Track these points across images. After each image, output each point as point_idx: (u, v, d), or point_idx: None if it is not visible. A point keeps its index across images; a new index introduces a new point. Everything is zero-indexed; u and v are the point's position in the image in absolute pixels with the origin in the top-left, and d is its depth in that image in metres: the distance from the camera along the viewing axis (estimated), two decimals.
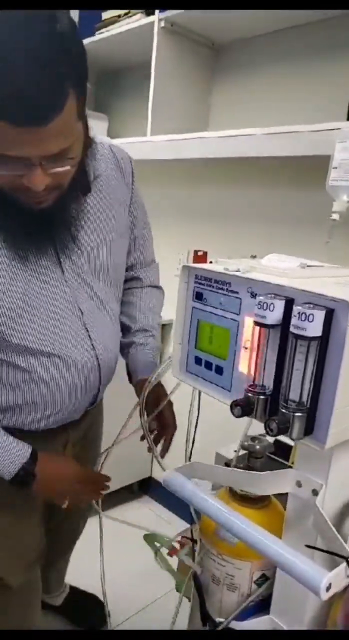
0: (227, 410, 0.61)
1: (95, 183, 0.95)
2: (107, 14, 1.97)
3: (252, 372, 0.59)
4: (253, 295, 0.61)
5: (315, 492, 0.62)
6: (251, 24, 1.64)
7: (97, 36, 1.98)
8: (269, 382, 0.58)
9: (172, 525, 0.98)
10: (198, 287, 0.69)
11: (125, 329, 1.14)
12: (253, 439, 0.82)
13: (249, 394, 0.59)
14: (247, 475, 0.69)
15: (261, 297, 0.56)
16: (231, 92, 1.87)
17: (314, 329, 0.52)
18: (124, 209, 1.02)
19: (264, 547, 0.59)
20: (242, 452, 0.84)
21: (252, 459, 0.82)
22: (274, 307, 0.55)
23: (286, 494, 0.67)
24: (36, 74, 0.63)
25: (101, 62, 2.20)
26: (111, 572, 1.13)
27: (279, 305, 0.55)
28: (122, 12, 1.89)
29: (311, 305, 0.52)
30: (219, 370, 0.67)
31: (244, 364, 0.62)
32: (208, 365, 0.68)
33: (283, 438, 0.56)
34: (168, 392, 0.97)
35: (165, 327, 1.71)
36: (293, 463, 0.91)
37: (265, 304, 0.56)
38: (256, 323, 0.57)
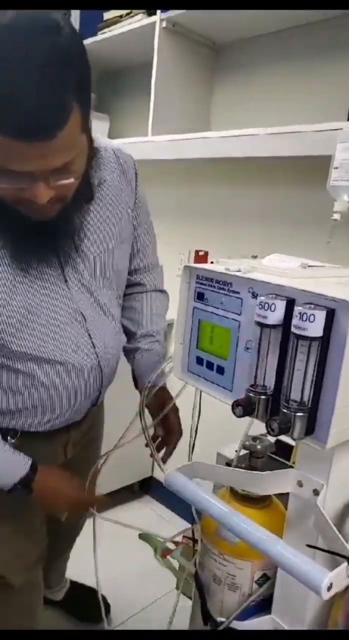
0: (229, 410, 0.61)
1: (98, 190, 0.94)
2: (108, 14, 1.97)
3: (253, 372, 0.60)
4: (254, 296, 0.61)
5: (316, 492, 0.62)
6: (252, 24, 1.64)
7: (99, 36, 1.98)
8: (270, 382, 0.58)
9: (173, 525, 0.98)
10: (199, 287, 0.69)
11: (129, 335, 1.13)
12: (254, 438, 0.82)
13: (251, 394, 0.59)
14: (249, 475, 0.69)
15: (262, 298, 0.56)
16: (232, 92, 1.87)
17: (315, 329, 0.52)
18: (128, 214, 1.01)
19: (266, 546, 0.59)
20: (243, 452, 0.84)
21: (254, 458, 0.82)
22: (275, 307, 0.55)
23: (287, 493, 0.67)
24: (39, 89, 0.62)
25: (103, 62, 2.20)
26: (111, 572, 1.13)
27: (281, 305, 0.56)
28: (123, 12, 1.89)
29: (312, 306, 0.52)
30: (221, 370, 0.67)
31: (245, 364, 0.62)
32: (209, 365, 0.68)
33: (284, 438, 0.56)
34: (173, 396, 0.98)
35: (167, 327, 1.70)
36: (294, 463, 0.91)
37: (266, 304, 0.56)
38: (258, 323, 0.57)
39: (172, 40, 1.74)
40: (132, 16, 1.85)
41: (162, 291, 1.20)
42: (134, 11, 1.85)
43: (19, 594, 1.02)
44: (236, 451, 0.87)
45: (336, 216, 1.22)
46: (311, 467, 0.63)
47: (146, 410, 1.00)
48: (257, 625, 0.75)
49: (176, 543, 1.03)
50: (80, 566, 1.35)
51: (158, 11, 1.70)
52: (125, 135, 2.17)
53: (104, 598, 1.54)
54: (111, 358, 0.99)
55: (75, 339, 0.91)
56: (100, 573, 1.05)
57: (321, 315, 0.52)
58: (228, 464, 1.01)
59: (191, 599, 0.90)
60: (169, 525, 0.97)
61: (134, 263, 1.10)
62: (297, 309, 0.53)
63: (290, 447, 1.21)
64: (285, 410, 0.55)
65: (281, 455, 1.22)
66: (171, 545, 1.03)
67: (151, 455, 0.96)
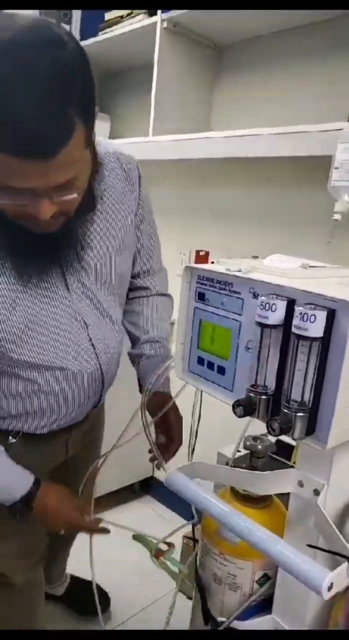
0: (229, 410, 0.61)
1: (101, 198, 0.93)
2: (109, 15, 1.97)
3: (254, 372, 0.60)
4: (255, 296, 0.61)
5: (317, 492, 0.62)
6: (253, 24, 1.64)
7: (100, 36, 1.99)
8: (271, 382, 0.58)
9: (173, 525, 0.97)
10: (200, 288, 0.69)
11: (134, 339, 1.13)
12: (255, 438, 0.82)
13: (251, 394, 0.59)
14: (249, 475, 0.69)
15: (263, 298, 0.56)
16: (233, 92, 1.87)
17: (316, 329, 0.52)
18: (131, 219, 1.00)
19: (266, 546, 0.59)
20: (244, 451, 0.84)
21: (254, 458, 0.82)
22: (276, 307, 0.56)
23: (288, 493, 0.67)
24: (41, 106, 0.61)
25: (103, 63, 2.20)
26: (111, 572, 1.14)
27: (281, 305, 0.56)
28: (124, 12, 1.90)
29: (313, 306, 0.53)
30: (221, 370, 0.67)
31: (246, 364, 0.62)
32: (210, 365, 0.68)
33: (284, 438, 0.56)
34: (174, 398, 0.98)
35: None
36: (294, 463, 0.91)
37: (267, 305, 0.56)
38: (258, 323, 0.57)
39: (173, 40, 1.75)
40: (133, 16, 1.85)
41: (167, 295, 1.18)
42: (135, 11, 1.85)
43: (19, 593, 1.02)
44: (239, 451, 0.87)
45: (337, 216, 1.22)
46: (311, 467, 0.63)
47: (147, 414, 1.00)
48: (257, 625, 0.75)
49: (169, 544, 1.02)
50: (81, 564, 1.36)
51: (159, 11, 1.71)
52: (126, 135, 2.17)
53: (104, 592, 1.56)
54: (112, 362, 1.00)
55: (77, 346, 0.91)
56: (100, 573, 1.05)
57: (321, 316, 0.52)
58: (229, 464, 1.01)
59: (190, 599, 0.90)
60: (170, 525, 0.97)
61: (137, 266, 1.10)
62: (298, 309, 0.53)
63: (291, 447, 1.21)
64: (286, 411, 0.55)
65: (282, 455, 1.22)
66: (168, 545, 1.03)
67: (151, 460, 0.96)
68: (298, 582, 0.55)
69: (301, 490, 0.64)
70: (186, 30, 1.75)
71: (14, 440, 0.94)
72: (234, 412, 0.60)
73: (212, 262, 0.73)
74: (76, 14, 2.14)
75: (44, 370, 0.89)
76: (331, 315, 0.52)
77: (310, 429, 0.55)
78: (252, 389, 0.59)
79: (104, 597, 1.57)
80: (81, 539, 1.06)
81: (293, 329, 0.54)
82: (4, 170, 0.65)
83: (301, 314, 0.52)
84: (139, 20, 1.81)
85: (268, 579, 0.77)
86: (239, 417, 0.60)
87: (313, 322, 0.52)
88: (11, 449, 0.92)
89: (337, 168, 1.19)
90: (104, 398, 1.07)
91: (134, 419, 0.94)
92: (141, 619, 1.58)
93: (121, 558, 1.54)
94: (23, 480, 0.91)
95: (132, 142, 1.82)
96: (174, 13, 1.66)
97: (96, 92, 0.71)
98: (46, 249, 0.83)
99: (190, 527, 0.96)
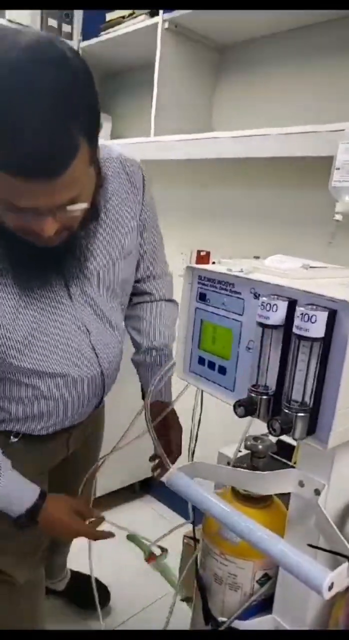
0: (230, 410, 0.61)
1: (104, 207, 0.92)
2: (111, 15, 1.97)
3: (255, 372, 0.60)
4: (256, 296, 0.61)
5: (317, 492, 0.62)
6: (254, 25, 1.64)
7: (102, 37, 1.99)
8: (272, 383, 0.58)
9: (174, 525, 0.98)
10: (201, 288, 0.69)
11: (136, 346, 1.13)
12: (256, 438, 0.82)
13: (252, 394, 0.59)
14: (250, 475, 0.69)
15: (264, 298, 0.56)
16: (234, 92, 1.87)
17: (317, 330, 0.52)
18: (134, 224, 0.99)
19: (267, 546, 0.59)
20: (245, 451, 0.84)
21: (255, 458, 0.82)
22: (277, 307, 0.56)
23: (289, 493, 0.67)
24: (44, 126, 0.61)
25: (105, 63, 2.20)
26: (111, 572, 1.14)
27: (282, 306, 0.56)
28: (126, 13, 1.90)
29: (314, 307, 0.53)
30: (222, 370, 0.67)
31: (247, 364, 0.63)
32: (211, 366, 0.69)
33: (285, 438, 0.56)
34: (176, 400, 0.98)
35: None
36: (295, 463, 0.92)
37: (268, 305, 0.56)
38: (259, 324, 0.57)
39: (174, 41, 1.75)
40: (135, 17, 1.86)
41: (172, 300, 1.17)
42: (137, 12, 1.85)
43: (20, 593, 1.03)
44: (240, 451, 0.87)
45: (338, 217, 1.22)
46: (312, 467, 0.63)
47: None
48: (258, 625, 0.75)
49: (162, 549, 1.03)
50: (81, 560, 1.36)
51: (161, 12, 1.71)
52: (127, 135, 2.17)
53: (104, 587, 1.56)
54: (113, 366, 1.00)
55: (79, 353, 0.92)
56: (100, 572, 1.06)
57: (322, 316, 0.52)
58: (230, 464, 1.02)
59: (184, 601, 0.90)
60: (170, 525, 0.97)
61: (141, 271, 1.09)
62: (299, 309, 0.53)
63: (291, 447, 1.21)
64: (287, 411, 0.55)
65: (283, 455, 1.22)
66: (162, 550, 1.03)
67: (153, 469, 0.96)
68: (299, 582, 0.55)
69: (302, 490, 0.64)
70: (187, 30, 1.75)
71: (15, 440, 0.95)
72: (235, 412, 0.60)
73: (213, 263, 0.73)
74: (78, 14, 2.14)
75: (46, 377, 0.89)
76: (332, 316, 0.52)
77: (311, 429, 0.55)
78: (253, 389, 0.59)
79: (104, 592, 1.58)
80: (81, 540, 1.07)
81: (294, 330, 0.54)
82: (7, 189, 0.65)
83: (302, 314, 0.52)
84: (141, 20, 1.81)
85: (268, 579, 0.77)
86: (240, 417, 0.60)
87: (314, 323, 0.52)
88: (12, 448, 0.93)
89: (338, 169, 1.20)
90: (104, 400, 1.07)
91: (134, 422, 0.94)
92: (141, 619, 1.58)
93: (121, 558, 1.54)
94: (29, 492, 0.90)
95: (134, 142, 1.82)
96: (175, 13, 1.66)
97: (99, 107, 0.70)
98: (49, 263, 0.83)
99: (187, 527, 0.96)
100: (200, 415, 0.84)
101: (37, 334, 0.86)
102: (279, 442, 1.00)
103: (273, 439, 0.77)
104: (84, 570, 1.57)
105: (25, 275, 0.82)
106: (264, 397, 0.58)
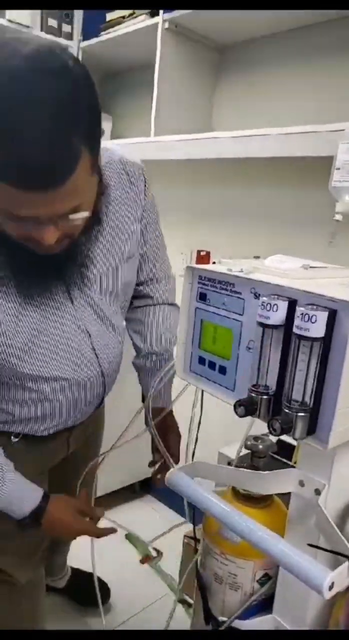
0: (230, 409, 0.61)
1: (105, 212, 0.92)
2: (111, 15, 1.97)
3: (255, 372, 0.60)
4: (256, 296, 0.61)
5: (318, 492, 0.62)
6: (254, 25, 1.64)
7: (102, 37, 1.99)
8: (272, 382, 0.58)
9: (174, 525, 0.98)
10: (202, 288, 0.69)
11: (137, 350, 1.13)
12: (256, 438, 0.82)
13: (253, 394, 0.59)
14: (250, 475, 0.69)
15: (264, 298, 0.57)
16: (234, 92, 1.87)
17: (317, 330, 0.52)
18: (135, 228, 0.99)
19: (267, 546, 0.59)
20: (245, 451, 0.84)
21: (255, 458, 0.82)
22: (277, 307, 0.56)
23: (289, 493, 0.67)
24: (45, 137, 0.61)
25: (105, 63, 2.21)
26: (111, 572, 1.14)
27: (283, 306, 0.56)
28: (126, 13, 1.90)
29: (314, 307, 0.53)
30: (223, 370, 0.67)
31: (247, 364, 0.63)
32: (212, 365, 0.69)
33: (285, 438, 0.57)
34: (174, 407, 0.98)
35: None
36: (295, 463, 0.92)
37: (268, 305, 0.56)
38: (260, 323, 0.57)
39: (174, 41, 1.75)
40: (135, 17, 1.86)
41: (174, 304, 1.15)
42: (137, 12, 1.85)
43: (20, 592, 1.03)
44: (241, 450, 0.87)
45: (338, 217, 1.22)
46: (312, 467, 0.63)
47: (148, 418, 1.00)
48: (258, 625, 0.75)
49: (158, 552, 1.03)
50: (81, 558, 1.36)
51: (161, 12, 1.71)
52: (127, 135, 2.17)
53: (104, 584, 1.57)
54: (113, 367, 1.00)
55: (80, 355, 0.92)
56: (101, 572, 1.05)
57: (322, 316, 0.52)
58: (230, 464, 1.02)
59: (180, 602, 0.90)
60: (171, 525, 0.97)
61: (142, 274, 1.08)
62: (299, 309, 0.53)
63: (292, 447, 1.22)
64: (287, 410, 0.55)
65: (283, 455, 1.22)
66: (157, 552, 1.03)
67: (153, 475, 0.97)
68: (299, 582, 0.55)
69: (302, 490, 0.64)
70: (188, 30, 1.75)
71: (16, 440, 0.95)
72: (236, 412, 0.60)
73: (214, 263, 0.73)
74: (78, 14, 2.15)
75: (50, 380, 0.90)
76: (332, 316, 0.52)
77: (311, 429, 0.56)
78: (253, 388, 0.59)
79: (105, 589, 1.58)
80: (82, 538, 1.07)
81: (294, 329, 0.54)
82: (8, 199, 0.65)
83: (302, 314, 0.52)
84: (141, 20, 1.82)
85: (268, 579, 0.77)
86: (241, 416, 0.60)
87: (314, 323, 0.52)
88: (12, 448, 0.93)
89: (338, 169, 1.20)
90: (105, 400, 1.08)
91: (134, 420, 0.94)
92: (141, 619, 1.58)
93: (121, 556, 1.54)
94: (32, 494, 0.91)
95: (134, 142, 1.82)
96: (175, 13, 1.66)
97: (101, 116, 0.70)
98: (50, 270, 0.83)
99: (187, 526, 0.96)
100: (200, 416, 0.84)
101: (38, 340, 0.86)
102: (280, 442, 1.00)
103: (273, 439, 0.77)
104: (85, 567, 1.58)
105: (26, 282, 0.82)
106: (265, 397, 0.58)
